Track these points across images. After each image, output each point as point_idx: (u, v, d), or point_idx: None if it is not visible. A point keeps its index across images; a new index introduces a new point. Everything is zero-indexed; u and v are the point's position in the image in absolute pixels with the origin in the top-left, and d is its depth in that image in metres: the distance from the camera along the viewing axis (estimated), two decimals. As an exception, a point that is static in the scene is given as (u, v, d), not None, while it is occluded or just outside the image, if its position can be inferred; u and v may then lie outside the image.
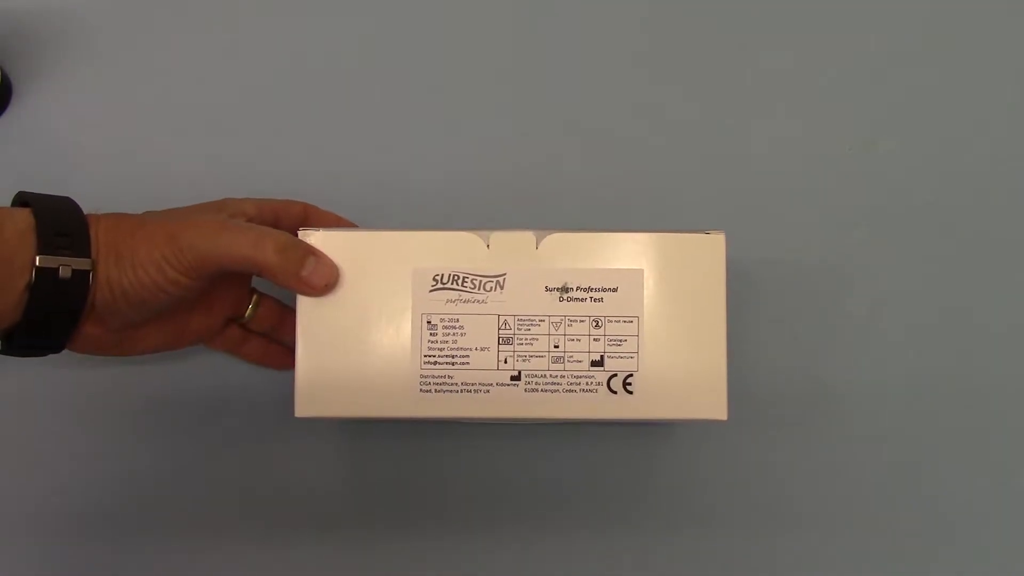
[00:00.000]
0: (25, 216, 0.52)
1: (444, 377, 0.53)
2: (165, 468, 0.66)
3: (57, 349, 0.56)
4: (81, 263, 0.51)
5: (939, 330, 0.68)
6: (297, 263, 0.53)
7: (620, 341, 0.54)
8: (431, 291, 0.54)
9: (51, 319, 0.52)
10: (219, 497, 0.66)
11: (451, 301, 0.54)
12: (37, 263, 0.50)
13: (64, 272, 0.51)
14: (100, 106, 0.71)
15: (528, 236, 0.54)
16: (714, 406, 0.54)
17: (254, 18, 0.72)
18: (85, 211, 0.54)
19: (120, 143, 0.70)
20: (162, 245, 0.52)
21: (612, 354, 0.54)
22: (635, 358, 0.54)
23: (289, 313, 0.63)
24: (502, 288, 0.54)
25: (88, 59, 0.71)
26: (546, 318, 0.54)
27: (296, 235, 0.55)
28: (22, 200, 0.54)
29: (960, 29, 0.72)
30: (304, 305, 0.54)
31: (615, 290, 0.54)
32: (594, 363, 0.54)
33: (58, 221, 0.52)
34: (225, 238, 0.52)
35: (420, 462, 0.66)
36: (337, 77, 0.71)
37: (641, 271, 0.54)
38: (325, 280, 0.53)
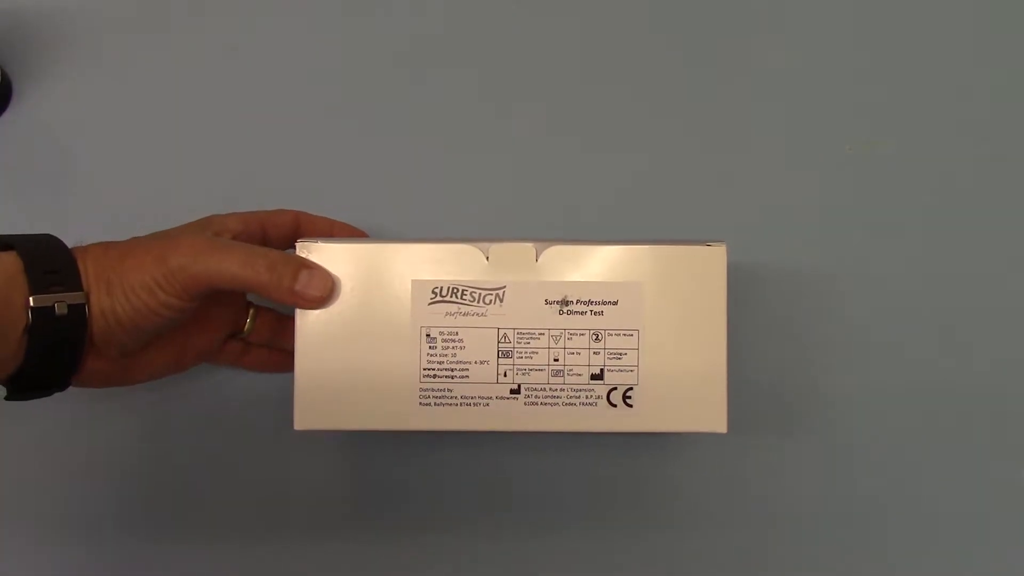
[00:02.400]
0: (12, 260, 0.51)
1: (443, 390, 0.53)
2: (166, 472, 0.66)
3: (62, 387, 0.55)
4: (75, 297, 0.51)
5: (939, 334, 0.67)
6: (290, 278, 0.53)
7: (620, 354, 0.54)
8: (430, 304, 0.54)
9: (53, 357, 0.52)
10: (220, 501, 0.66)
11: (450, 314, 0.54)
12: (32, 304, 0.50)
13: (60, 309, 0.51)
14: (100, 106, 0.70)
15: (528, 248, 0.54)
16: (714, 419, 0.54)
17: (254, 19, 0.71)
18: (74, 243, 0.54)
19: (120, 143, 0.70)
20: (152, 269, 0.52)
21: (612, 367, 0.54)
22: (635, 371, 0.54)
23: (288, 321, 0.63)
24: (502, 301, 0.54)
25: (88, 59, 0.71)
26: (546, 331, 0.54)
27: (291, 244, 0.55)
28: (4, 243, 0.53)
29: (960, 28, 0.71)
30: (303, 318, 0.54)
31: (615, 303, 0.54)
32: (594, 376, 0.54)
33: (45, 259, 0.52)
34: (215, 258, 0.52)
35: (420, 468, 0.66)
36: (337, 83, 0.70)
37: (641, 284, 0.54)
38: (320, 291, 0.53)
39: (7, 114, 0.70)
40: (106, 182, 0.69)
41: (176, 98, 0.70)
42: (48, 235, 0.54)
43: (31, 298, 0.50)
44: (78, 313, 0.52)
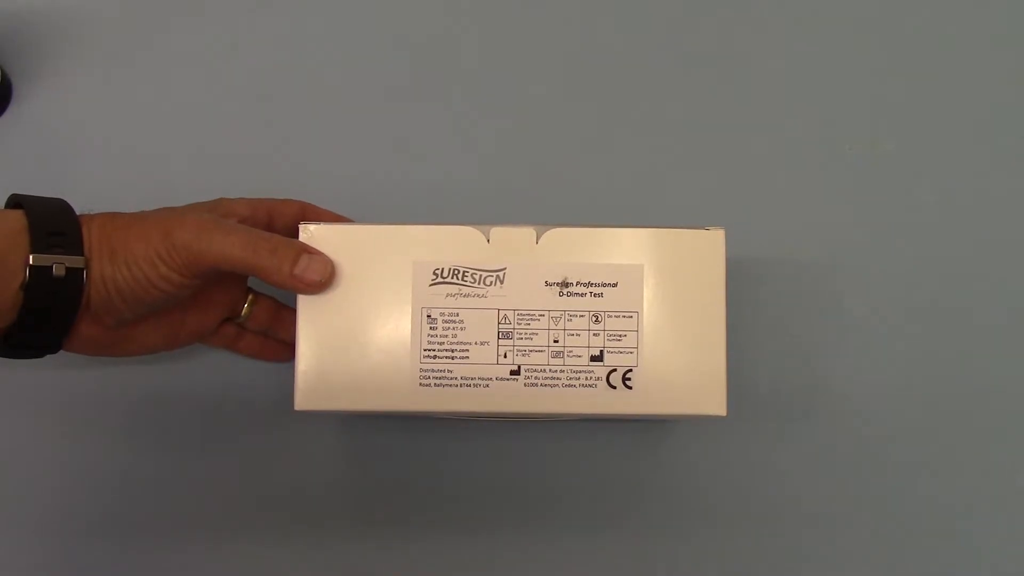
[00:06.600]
0: (18, 217, 0.52)
1: (444, 371, 0.54)
2: (164, 466, 0.66)
3: (54, 349, 0.56)
4: (75, 261, 0.52)
5: (938, 329, 0.68)
6: (290, 262, 0.53)
7: (620, 336, 0.54)
8: (431, 285, 0.54)
9: (47, 318, 0.53)
10: (218, 494, 0.66)
11: (451, 295, 0.54)
12: (31, 262, 0.51)
13: (58, 270, 0.51)
14: (100, 106, 0.71)
15: (528, 231, 0.54)
16: (713, 402, 0.54)
17: (253, 17, 0.72)
18: (80, 211, 0.54)
19: (120, 143, 0.70)
20: (156, 242, 0.52)
21: (612, 349, 0.54)
22: (635, 353, 0.54)
23: (285, 311, 0.63)
24: (502, 282, 0.54)
25: (88, 59, 0.71)
26: (546, 313, 0.54)
27: (294, 235, 0.55)
28: (15, 202, 0.54)
29: (960, 29, 0.72)
30: (305, 299, 0.54)
31: (615, 285, 0.54)
32: (593, 358, 0.54)
33: (51, 221, 0.52)
34: (218, 238, 0.53)
35: (419, 459, 0.66)
36: (337, 76, 0.71)
37: (641, 266, 0.54)
38: (319, 275, 0.53)
39: (7, 114, 0.70)
40: (106, 182, 0.69)
41: (176, 98, 0.71)
42: (60, 199, 0.55)
43: (31, 256, 0.51)
44: (76, 277, 0.52)
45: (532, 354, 0.54)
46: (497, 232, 0.54)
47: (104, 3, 0.72)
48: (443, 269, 0.54)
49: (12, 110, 0.70)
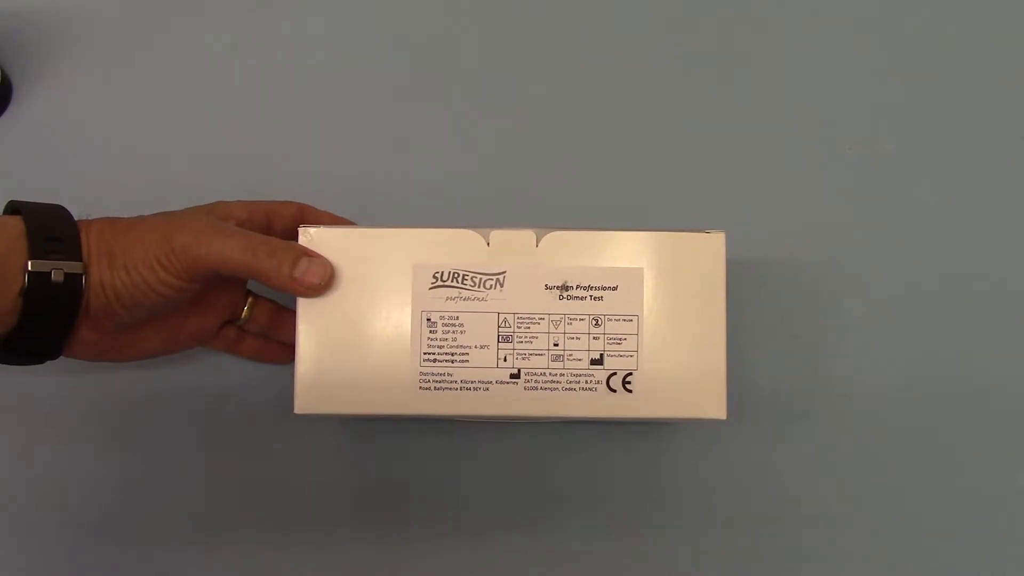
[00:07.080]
0: (16, 223, 0.52)
1: (443, 375, 0.54)
2: (164, 468, 0.66)
3: (54, 355, 0.56)
4: (73, 266, 0.52)
5: (938, 330, 0.67)
6: (289, 264, 0.53)
7: (620, 340, 0.54)
8: (431, 288, 0.54)
9: (46, 323, 0.53)
10: (218, 495, 0.66)
11: (451, 299, 0.54)
12: (29, 268, 0.51)
13: (57, 276, 0.51)
14: (100, 106, 0.71)
15: (528, 234, 0.54)
16: (713, 405, 0.54)
17: (253, 18, 0.72)
18: (79, 215, 0.54)
19: (120, 143, 0.70)
20: (155, 247, 0.52)
21: (612, 352, 0.54)
22: (635, 357, 0.54)
23: (285, 313, 0.63)
24: (502, 286, 0.54)
25: (88, 59, 0.71)
26: (546, 316, 0.54)
27: (292, 236, 0.55)
28: (13, 208, 0.54)
29: (960, 29, 0.72)
30: (304, 302, 0.54)
31: (615, 288, 0.54)
32: (593, 361, 0.54)
33: (49, 227, 0.52)
34: (217, 242, 0.53)
35: (419, 460, 0.66)
36: (337, 76, 0.71)
37: (641, 270, 0.54)
38: (319, 278, 0.53)
39: (7, 114, 0.70)
40: (106, 182, 0.69)
41: (176, 98, 0.71)
42: (58, 205, 0.55)
43: (29, 262, 0.51)
44: (75, 282, 0.52)
45: (532, 357, 0.54)
46: (497, 235, 0.54)
47: (104, 3, 0.72)
48: (443, 272, 0.54)
49: (12, 110, 0.70)
